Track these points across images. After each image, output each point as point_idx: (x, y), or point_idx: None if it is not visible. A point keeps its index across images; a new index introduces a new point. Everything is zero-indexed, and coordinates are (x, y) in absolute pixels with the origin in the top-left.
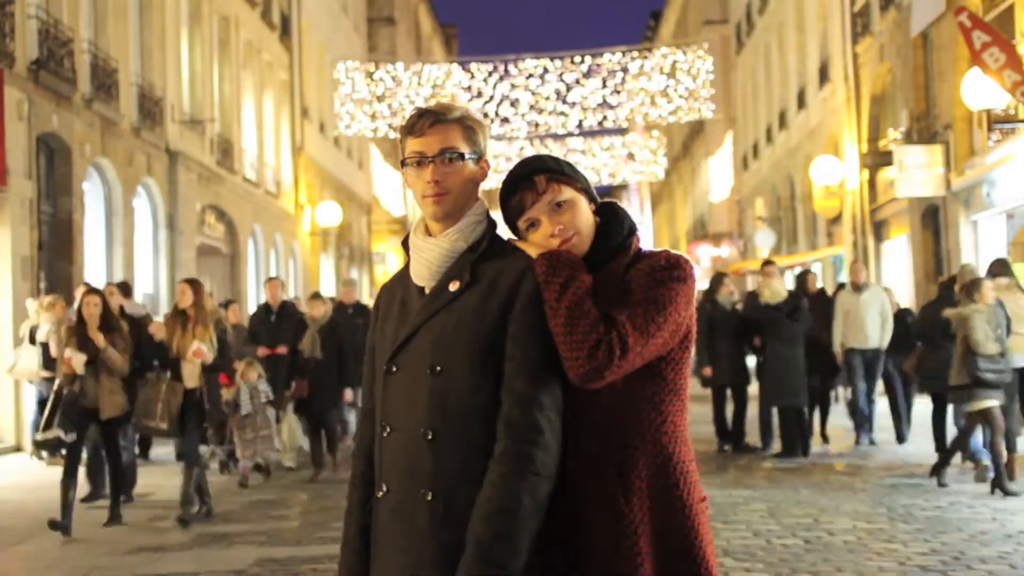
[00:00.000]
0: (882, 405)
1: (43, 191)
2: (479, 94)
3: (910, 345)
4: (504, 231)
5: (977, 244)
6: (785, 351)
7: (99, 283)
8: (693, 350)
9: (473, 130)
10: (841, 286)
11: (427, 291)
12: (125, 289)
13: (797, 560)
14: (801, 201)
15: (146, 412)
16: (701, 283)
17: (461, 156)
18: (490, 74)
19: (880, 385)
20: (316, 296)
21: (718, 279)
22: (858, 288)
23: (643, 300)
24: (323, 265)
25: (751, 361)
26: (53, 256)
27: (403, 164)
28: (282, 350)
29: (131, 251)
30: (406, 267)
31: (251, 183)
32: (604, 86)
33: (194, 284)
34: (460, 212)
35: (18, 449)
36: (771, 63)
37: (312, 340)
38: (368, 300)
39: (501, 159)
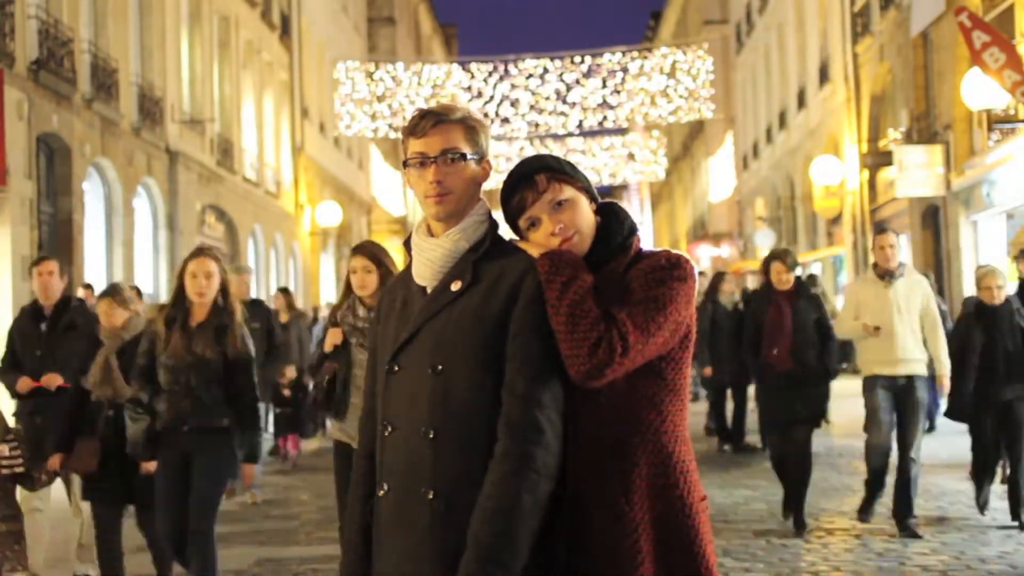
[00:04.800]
0: None
1: (43, 191)
2: (479, 94)
3: None
4: (506, 231)
5: (977, 244)
6: None
7: (99, 283)
8: (692, 349)
9: (475, 131)
10: None
11: (429, 291)
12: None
13: (797, 560)
14: (801, 201)
15: None
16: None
17: (463, 156)
18: (490, 74)
19: None
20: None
21: (719, 278)
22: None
23: (643, 299)
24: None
25: None
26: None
27: (405, 165)
28: (54, 382)
29: (131, 251)
30: (408, 267)
31: (251, 183)
32: (604, 86)
33: None
34: (462, 212)
35: None
36: (771, 63)
37: (103, 367)
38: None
39: (501, 159)
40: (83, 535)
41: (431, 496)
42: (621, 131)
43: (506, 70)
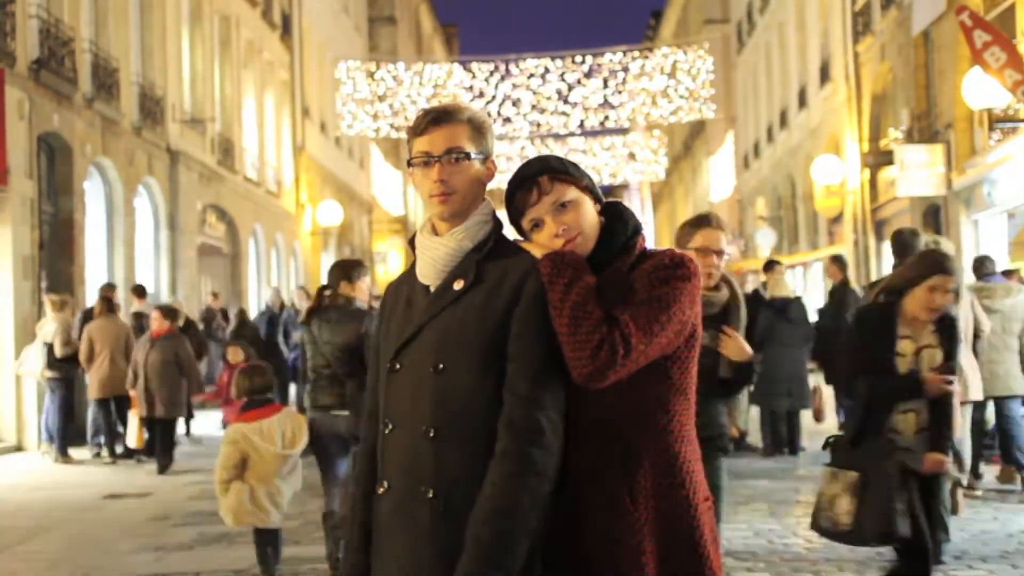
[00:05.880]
0: None
1: (44, 191)
2: (480, 94)
3: None
4: (509, 231)
5: (978, 243)
6: (776, 352)
7: (99, 283)
8: (698, 349)
9: (479, 130)
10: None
11: (432, 290)
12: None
13: (798, 559)
14: (802, 200)
15: None
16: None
17: (467, 156)
18: (491, 74)
19: None
20: None
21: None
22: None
23: (646, 299)
24: (324, 265)
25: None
26: (54, 256)
27: (409, 164)
28: None
29: (132, 251)
30: (412, 266)
31: (252, 183)
32: (605, 86)
33: None
34: (466, 212)
35: (19, 448)
36: (772, 62)
37: None
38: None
39: (503, 159)
40: None
41: (431, 495)
42: (622, 131)
43: (507, 70)
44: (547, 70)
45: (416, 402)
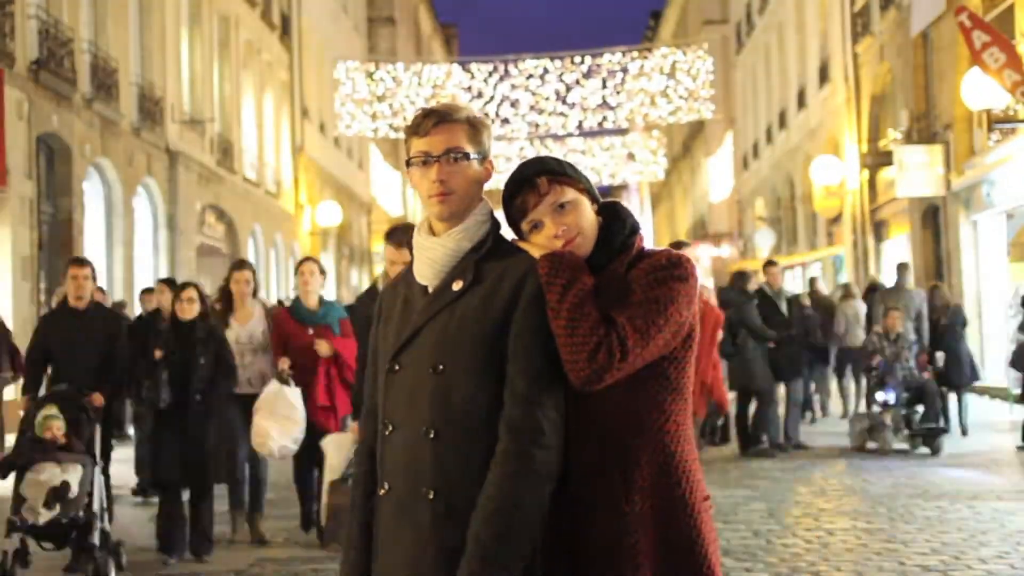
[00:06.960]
0: None
1: (43, 191)
2: (479, 94)
3: None
4: (507, 232)
5: (977, 244)
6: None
7: (99, 283)
8: (696, 349)
9: (478, 130)
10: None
11: (430, 290)
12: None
13: (797, 560)
14: (801, 201)
15: None
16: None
17: (466, 156)
18: (490, 74)
19: None
20: None
21: (744, 277)
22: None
23: (643, 301)
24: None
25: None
26: (53, 256)
27: (408, 164)
28: None
29: (131, 251)
30: (410, 266)
31: (251, 183)
32: (604, 86)
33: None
34: (465, 212)
35: None
36: (771, 63)
37: None
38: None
39: (501, 159)
40: None
41: (431, 496)
42: (621, 131)
43: (506, 70)
44: (546, 71)
45: (416, 403)
